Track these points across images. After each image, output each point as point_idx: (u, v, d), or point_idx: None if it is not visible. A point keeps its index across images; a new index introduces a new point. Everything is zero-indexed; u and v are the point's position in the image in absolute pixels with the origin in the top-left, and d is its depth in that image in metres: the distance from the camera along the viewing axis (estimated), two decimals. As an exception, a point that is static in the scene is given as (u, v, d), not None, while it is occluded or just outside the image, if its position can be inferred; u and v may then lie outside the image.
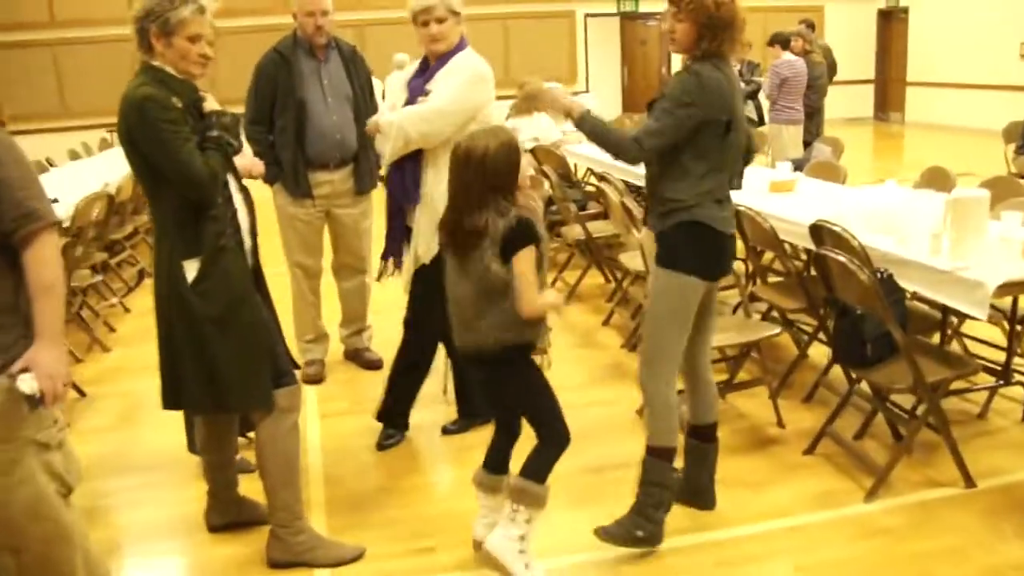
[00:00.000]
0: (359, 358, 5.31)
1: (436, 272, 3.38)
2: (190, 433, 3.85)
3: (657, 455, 3.23)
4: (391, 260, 4.18)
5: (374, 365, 5.21)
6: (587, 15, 16.75)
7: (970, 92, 15.50)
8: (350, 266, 5.13)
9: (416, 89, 3.91)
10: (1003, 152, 8.68)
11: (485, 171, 2.87)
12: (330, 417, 4.58)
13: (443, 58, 3.86)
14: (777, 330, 4.16)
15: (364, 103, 4.83)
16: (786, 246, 4.54)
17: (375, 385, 4.63)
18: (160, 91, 2.88)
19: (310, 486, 3.82)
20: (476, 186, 2.89)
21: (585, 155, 7.80)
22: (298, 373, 4.97)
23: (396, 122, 3.80)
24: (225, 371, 3.04)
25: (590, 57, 16.95)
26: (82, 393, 5.07)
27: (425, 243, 3.92)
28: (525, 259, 2.85)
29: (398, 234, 4.11)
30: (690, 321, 3.22)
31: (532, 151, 7.80)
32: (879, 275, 3.61)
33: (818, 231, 4.15)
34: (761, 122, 9.29)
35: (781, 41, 9.04)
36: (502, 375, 3.05)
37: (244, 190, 3.54)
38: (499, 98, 3.97)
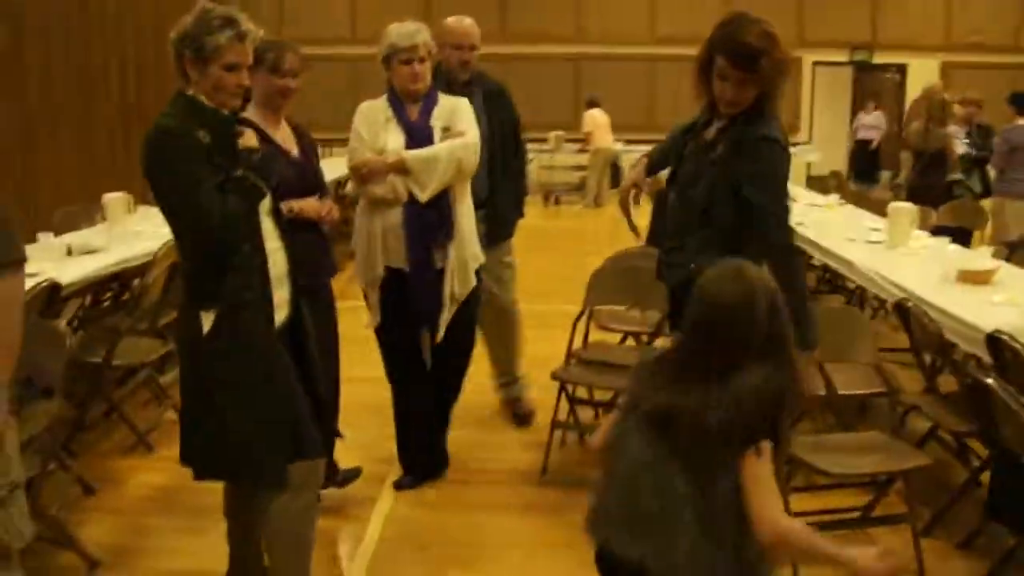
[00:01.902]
0: (510, 410, 4.94)
1: None
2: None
3: None
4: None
5: (523, 419, 4.84)
6: (816, 63, 15.74)
7: None
8: (485, 317, 4.72)
9: (421, 128, 3.75)
10: None
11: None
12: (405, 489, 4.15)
13: (427, 98, 3.81)
14: (927, 460, 3.37)
15: (500, 147, 4.50)
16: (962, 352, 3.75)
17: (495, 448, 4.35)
18: (184, 123, 2.58)
19: (353, 564, 3.45)
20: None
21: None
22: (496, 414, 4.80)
23: (444, 154, 3.70)
24: (234, 438, 2.70)
25: (816, 108, 15.91)
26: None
27: (460, 281, 3.86)
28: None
29: (434, 289, 3.82)
30: None
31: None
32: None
33: (996, 344, 3.36)
34: (986, 194, 8.13)
35: (1018, 104, 7.91)
36: None
37: (318, 233, 3.28)
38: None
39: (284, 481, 2.75)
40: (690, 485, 1.91)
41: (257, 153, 2.70)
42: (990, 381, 2.83)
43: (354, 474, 3.95)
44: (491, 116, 4.47)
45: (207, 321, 2.66)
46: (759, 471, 1.88)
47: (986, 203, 7.91)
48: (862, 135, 15.83)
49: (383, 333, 3.93)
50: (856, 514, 3.70)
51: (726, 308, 1.97)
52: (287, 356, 2.83)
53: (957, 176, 7.85)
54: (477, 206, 4.43)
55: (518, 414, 4.87)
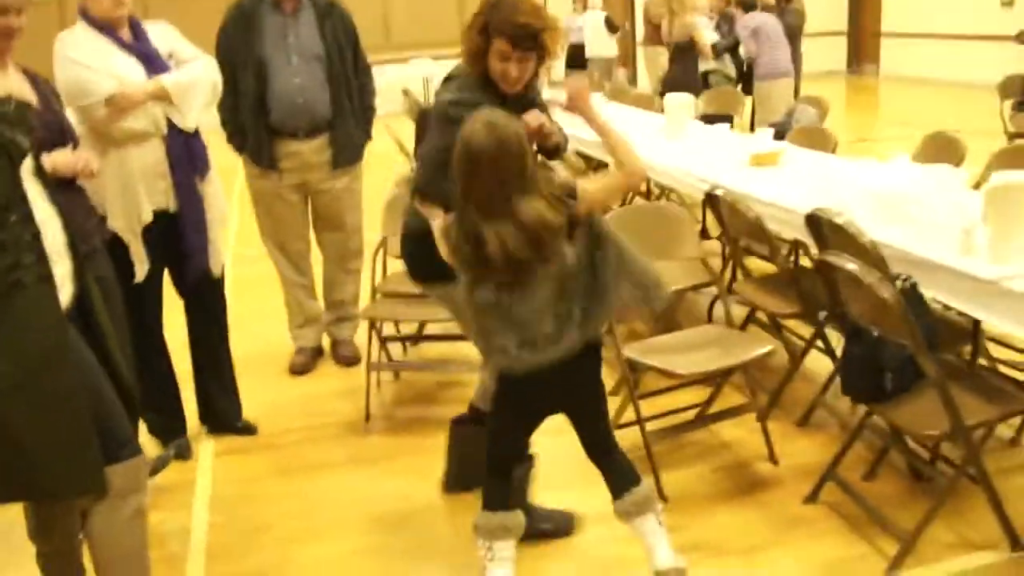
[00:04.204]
0: (335, 352, 4.61)
1: None
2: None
3: None
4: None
5: (347, 361, 4.53)
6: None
7: (948, 43, 14.73)
8: (331, 247, 4.51)
9: (153, 54, 3.39)
10: (998, 108, 7.86)
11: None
12: (226, 455, 3.74)
13: (133, 23, 3.40)
14: (770, 347, 3.36)
15: (340, 64, 4.18)
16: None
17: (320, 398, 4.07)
18: None
19: (188, 560, 3.04)
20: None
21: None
22: (286, 364, 4.47)
23: (202, 77, 3.46)
24: (32, 448, 2.22)
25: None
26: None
27: (220, 209, 3.62)
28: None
29: (202, 221, 3.52)
30: None
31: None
32: (901, 284, 2.86)
33: (816, 223, 3.39)
34: (740, 80, 8.39)
35: (744, 5, 8.21)
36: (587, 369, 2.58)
37: (75, 190, 2.78)
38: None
39: (103, 486, 2.32)
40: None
41: (9, 104, 2.19)
42: (833, 259, 2.81)
43: (164, 460, 3.50)
44: (325, 34, 4.17)
45: (-25, 315, 2.15)
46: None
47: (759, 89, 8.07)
48: (573, 39, 15.35)
49: (135, 288, 3.40)
50: (691, 412, 3.68)
51: (490, 150, 2.30)
52: (82, 342, 2.37)
53: (712, 66, 8.05)
54: (320, 129, 4.22)
55: (344, 355, 4.54)
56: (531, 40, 2.66)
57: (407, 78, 12.02)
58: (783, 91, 7.71)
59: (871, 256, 3.03)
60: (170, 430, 3.66)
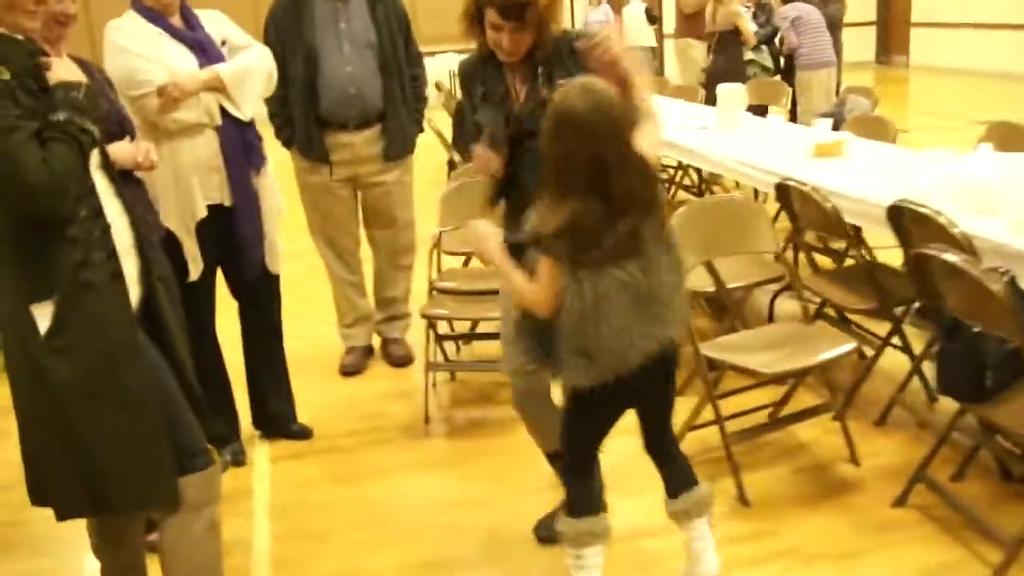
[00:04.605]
0: (386, 351, 4.48)
1: None
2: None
3: None
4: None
5: (400, 361, 4.39)
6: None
7: (980, 32, 14.49)
8: (383, 243, 4.38)
9: (207, 42, 3.25)
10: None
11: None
12: (283, 460, 3.63)
13: (184, 9, 3.27)
14: (852, 345, 3.21)
15: (392, 52, 4.06)
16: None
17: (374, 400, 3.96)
18: None
19: (252, 572, 2.93)
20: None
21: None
22: (335, 364, 4.35)
23: (256, 65, 3.32)
24: (102, 460, 2.12)
25: None
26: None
27: (275, 204, 3.46)
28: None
29: (257, 217, 3.39)
30: None
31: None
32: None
33: (899, 214, 3.23)
34: (777, 71, 8.22)
35: None
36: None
37: (135, 184, 2.66)
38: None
39: (176, 499, 2.21)
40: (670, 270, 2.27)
41: (78, 90, 2.06)
42: (933, 251, 2.66)
43: (220, 467, 3.38)
44: (377, 20, 4.05)
45: (43, 316, 2.05)
46: None
47: (801, 79, 7.90)
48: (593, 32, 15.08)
49: (188, 287, 3.22)
50: (763, 412, 3.53)
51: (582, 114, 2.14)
52: (150, 344, 2.25)
53: (748, 56, 7.89)
54: (372, 120, 4.10)
55: (397, 355, 4.41)
56: (520, 12, 2.52)
57: (434, 72, 11.92)
58: (825, 81, 7.55)
59: (963, 248, 2.88)
60: (224, 435, 3.54)
